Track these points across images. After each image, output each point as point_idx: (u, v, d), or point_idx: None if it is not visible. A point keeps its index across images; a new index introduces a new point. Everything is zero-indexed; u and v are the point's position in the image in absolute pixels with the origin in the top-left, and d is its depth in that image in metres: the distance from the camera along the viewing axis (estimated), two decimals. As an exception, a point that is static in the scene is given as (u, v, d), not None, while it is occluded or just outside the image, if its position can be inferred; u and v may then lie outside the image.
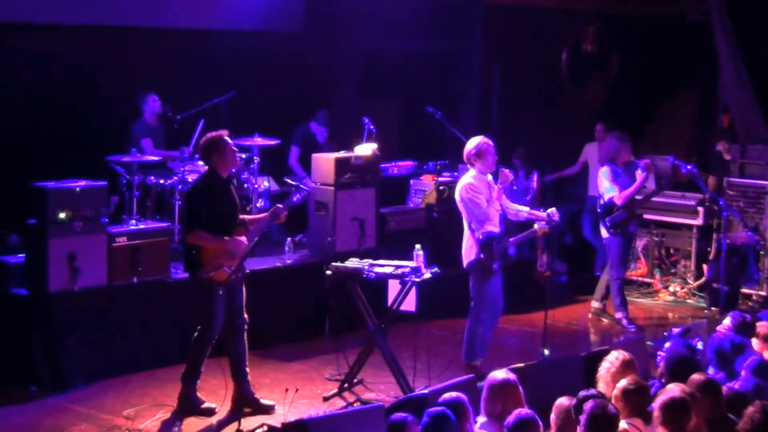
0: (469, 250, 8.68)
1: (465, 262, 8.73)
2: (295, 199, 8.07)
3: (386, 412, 6.40)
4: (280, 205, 7.97)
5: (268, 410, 7.80)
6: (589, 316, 10.81)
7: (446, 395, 5.75)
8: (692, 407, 5.50)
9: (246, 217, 8.01)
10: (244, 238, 7.67)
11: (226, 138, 7.68)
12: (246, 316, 7.87)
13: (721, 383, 6.25)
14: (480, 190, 8.59)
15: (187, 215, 7.74)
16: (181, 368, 8.08)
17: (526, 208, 9.00)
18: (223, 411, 7.86)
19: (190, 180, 10.03)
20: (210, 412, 7.81)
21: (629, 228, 10.46)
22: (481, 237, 8.55)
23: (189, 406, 7.80)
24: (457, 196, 8.72)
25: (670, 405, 5.46)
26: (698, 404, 5.64)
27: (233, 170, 7.97)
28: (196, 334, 7.79)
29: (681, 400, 5.48)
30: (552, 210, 8.75)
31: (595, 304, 10.87)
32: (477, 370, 8.52)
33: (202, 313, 7.72)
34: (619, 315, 10.66)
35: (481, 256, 8.56)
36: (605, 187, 10.44)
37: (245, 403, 7.79)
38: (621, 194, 10.32)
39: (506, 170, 8.73)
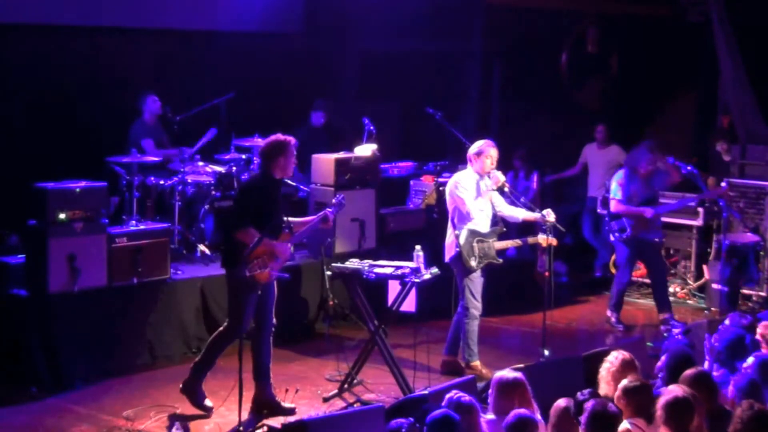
0: (450, 246, 8.73)
1: (447, 257, 8.77)
2: (334, 201, 8.16)
3: (386, 413, 6.41)
4: (329, 210, 8.02)
5: (288, 412, 7.74)
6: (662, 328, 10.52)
7: (450, 396, 5.74)
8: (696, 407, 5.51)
9: (293, 219, 7.91)
10: (288, 245, 7.66)
11: (293, 146, 7.68)
12: (274, 319, 7.82)
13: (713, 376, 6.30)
14: (467, 187, 8.64)
15: (240, 211, 7.65)
16: (181, 369, 8.10)
17: (522, 211, 8.97)
18: (223, 411, 7.87)
19: (190, 181, 10.04)
20: (207, 410, 7.79)
21: (639, 235, 10.44)
22: (460, 233, 8.59)
23: (191, 394, 7.78)
24: (446, 191, 8.80)
25: (674, 404, 5.46)
26: (697, 399, 5.66)
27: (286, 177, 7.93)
28: (221, 328, 7.75)
29: (684, 400, 5.48)
30: (547, 210, 8.78)
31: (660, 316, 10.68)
32: (476, 370, 8.53)
33: (233, 310, 7.65)
34: (609, 313, 10.72)
35: (457, 250, 8.59)
36: (611, 188, 10.48)
37: (264, 405, 7.77)
38: (618, 203, 10.37)
39: (497, 172, 8.73)
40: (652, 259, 10.74)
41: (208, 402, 7.84)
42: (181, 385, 7.84)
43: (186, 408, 7.89)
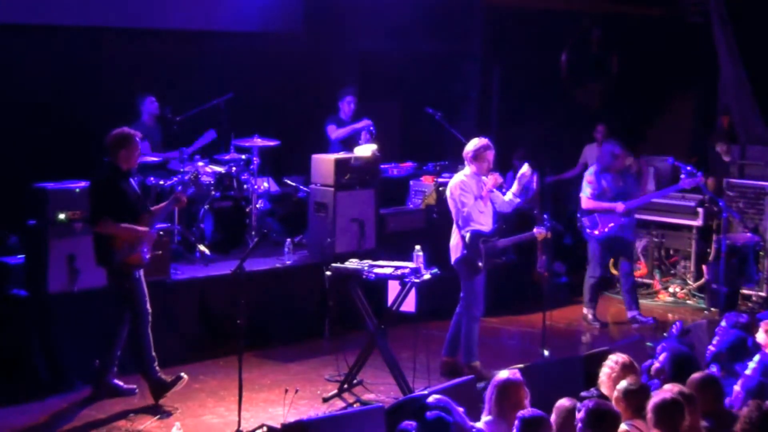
0: (455, 248, 8.74)
1: (452, 259, 8.77)
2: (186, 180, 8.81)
3: (386, 413, 6.41)
4: (180, 189, 8.54)
5: (179, 378, 8.00)
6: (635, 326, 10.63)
7: (430, 399, 5.75)
8: (686, 407, 5.51)
9: (153, 208, 8.30)
10: (145, 228, 7.95)
11: (138, 138, 8.08)
12: (149, 308, 8.01)
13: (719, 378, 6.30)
14: (469, 188, 8.65)
15: (93, 206, 7.97)
16: (181, 369, 8.11)
17: (517, 200, 9.01)
18: (223, 411, 7.88)
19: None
20: (179, 379, 7.98)
21: (612, 231, 10.45)
22: (467, 234, 8.59)
23: (161, 390, 7.97)
24: (447, 193, 8.80)
25: (661, 407, 5.47)
26: (697, 401, 5.66)
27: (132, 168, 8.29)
28: (131, 325, 7.95)
29: (672, 402, 5.48)
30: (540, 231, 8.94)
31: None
32: (476, 370, 8.53)
33: (127, 297, 7.93)
34: (584, 310, 10.77)
35: (464, 252, 8.60)
36: (582, 185, 10.61)
37: (160, 391, 7.99)
38: (588, 200, 10.49)
39: (496, 173, 8.76)
40: (622, 256, 10.74)
41: (175, 377, 7.99)
42: (151, 395, 7.99)
43: (186, 408, 7.91)
